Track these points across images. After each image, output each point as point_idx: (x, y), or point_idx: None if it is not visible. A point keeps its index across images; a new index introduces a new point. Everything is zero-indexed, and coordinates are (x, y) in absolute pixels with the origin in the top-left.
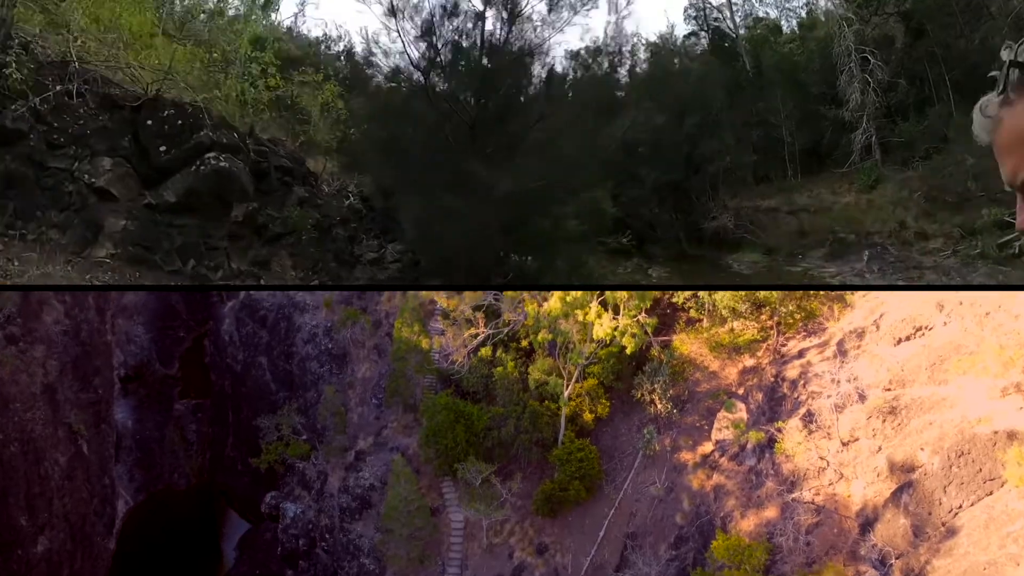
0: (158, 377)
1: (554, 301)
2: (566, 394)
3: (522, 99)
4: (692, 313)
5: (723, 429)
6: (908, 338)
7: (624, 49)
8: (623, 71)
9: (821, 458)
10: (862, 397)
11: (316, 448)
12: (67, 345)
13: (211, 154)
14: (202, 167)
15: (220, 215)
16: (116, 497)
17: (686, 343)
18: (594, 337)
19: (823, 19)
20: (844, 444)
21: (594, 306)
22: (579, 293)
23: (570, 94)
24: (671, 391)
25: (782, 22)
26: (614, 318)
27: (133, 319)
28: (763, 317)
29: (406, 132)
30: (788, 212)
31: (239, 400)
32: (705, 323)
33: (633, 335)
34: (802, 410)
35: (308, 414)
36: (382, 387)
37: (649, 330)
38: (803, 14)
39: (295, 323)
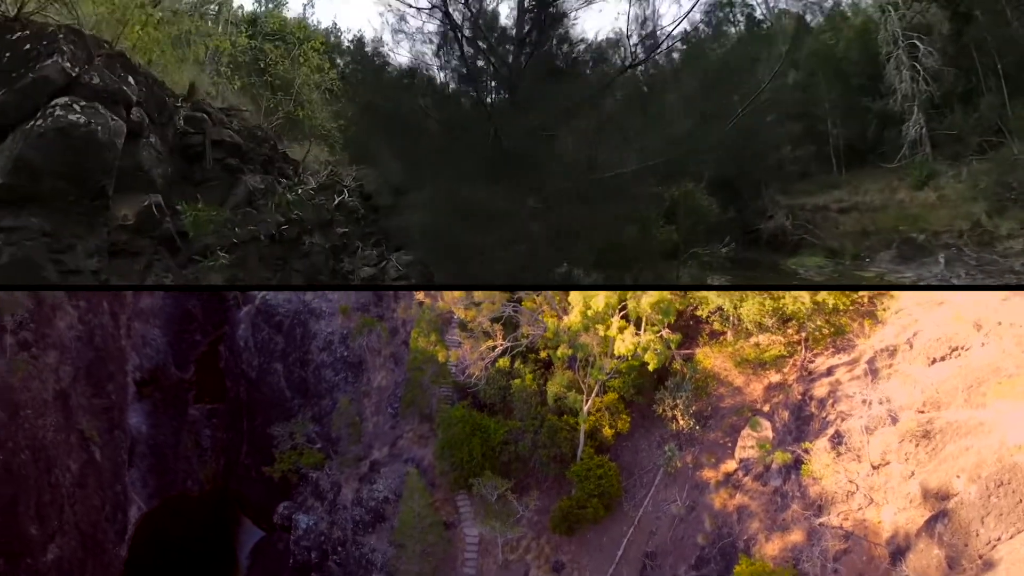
0: (173, 381)
1: (575, 315)
2: (585, 409)
3: (583, 48)
4: (716, 326)
5: (747, 447)
6: (943, 358)
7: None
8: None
9: (850, 481)
10: (894, 419)
11: (330, 457)
12: (80, 350)
13: (62, 100)
14: (39, 122)
15: (89, 212)
16: (129, 503)
17: (709, 357)
18: (615, 353)
19: (849, 13)
20: (874, 468)
21: (616, 320)
22: (600, 307)
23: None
24: (694, 406)
25: (807, 15)
26: (636, 333)
27: (149, 322)
28: (790, 332)
29: (411, 99)
30: (839, 211)
31: (254, 407)
32: (729, 336)
33: (656, 351)
34: (830, 430)
35: (323, 423)
36: (398, 396)
37: (673, 346)
38: (827, 5)
39: (311, 330)
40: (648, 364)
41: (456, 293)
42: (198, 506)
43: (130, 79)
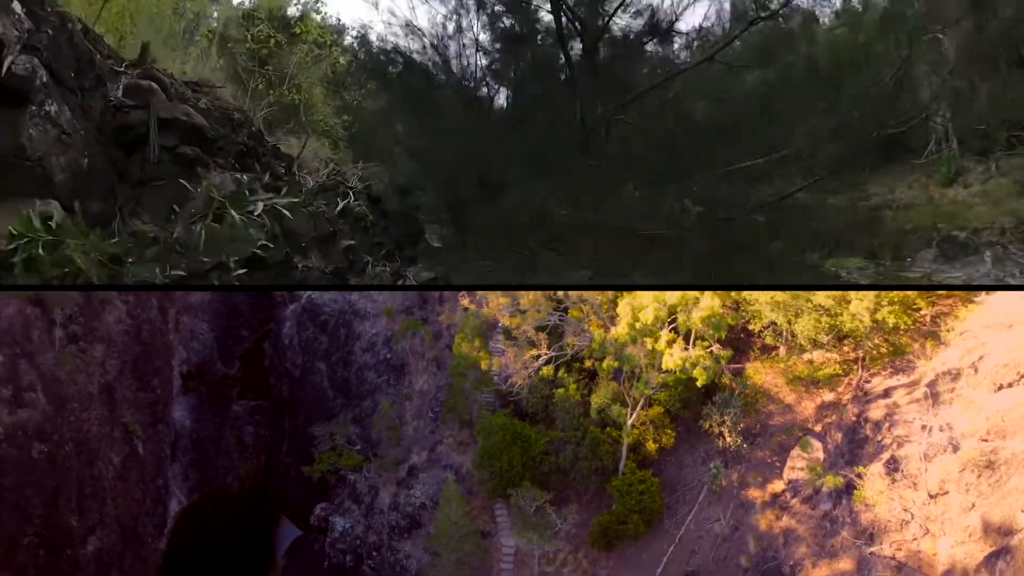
0: (218, 376)
1: (622, 327)
2: (629, 422)
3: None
4: (768, 340)
5: (796, 468)
6: (1011, 385)
7: None
8: None
9: (905, 510)
10: (955, 447)
11: (369, 460)
12: (127, 345)
13: None
14: None
15: None
16: (169, 497)
17: (760, 372)
18: (663, 367)
19: (859, 8)
20: (932, 497)
21: (665, 334)
22: (649, 319)
23: None
24: (742, 423)
25: (815, 10)
26: (685, 347)
27: (198, 316)
28: (846, 349)
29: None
30: (869, 209)
31: (296, 405)
32: (782, 352)
33: (705, 367)
34: (886, 455)
35: (363, 424)
36: (439, 401)
37: (723, 362)
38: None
39: (355, 330)
40: (696, 380)
41: (502, 300)
42: (238, 502)
43: (15, 6)
